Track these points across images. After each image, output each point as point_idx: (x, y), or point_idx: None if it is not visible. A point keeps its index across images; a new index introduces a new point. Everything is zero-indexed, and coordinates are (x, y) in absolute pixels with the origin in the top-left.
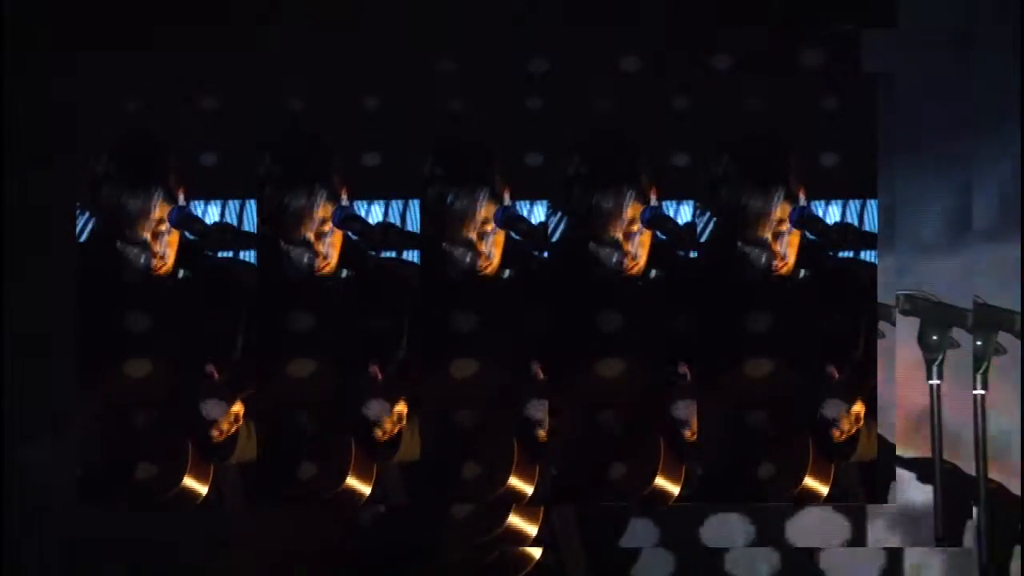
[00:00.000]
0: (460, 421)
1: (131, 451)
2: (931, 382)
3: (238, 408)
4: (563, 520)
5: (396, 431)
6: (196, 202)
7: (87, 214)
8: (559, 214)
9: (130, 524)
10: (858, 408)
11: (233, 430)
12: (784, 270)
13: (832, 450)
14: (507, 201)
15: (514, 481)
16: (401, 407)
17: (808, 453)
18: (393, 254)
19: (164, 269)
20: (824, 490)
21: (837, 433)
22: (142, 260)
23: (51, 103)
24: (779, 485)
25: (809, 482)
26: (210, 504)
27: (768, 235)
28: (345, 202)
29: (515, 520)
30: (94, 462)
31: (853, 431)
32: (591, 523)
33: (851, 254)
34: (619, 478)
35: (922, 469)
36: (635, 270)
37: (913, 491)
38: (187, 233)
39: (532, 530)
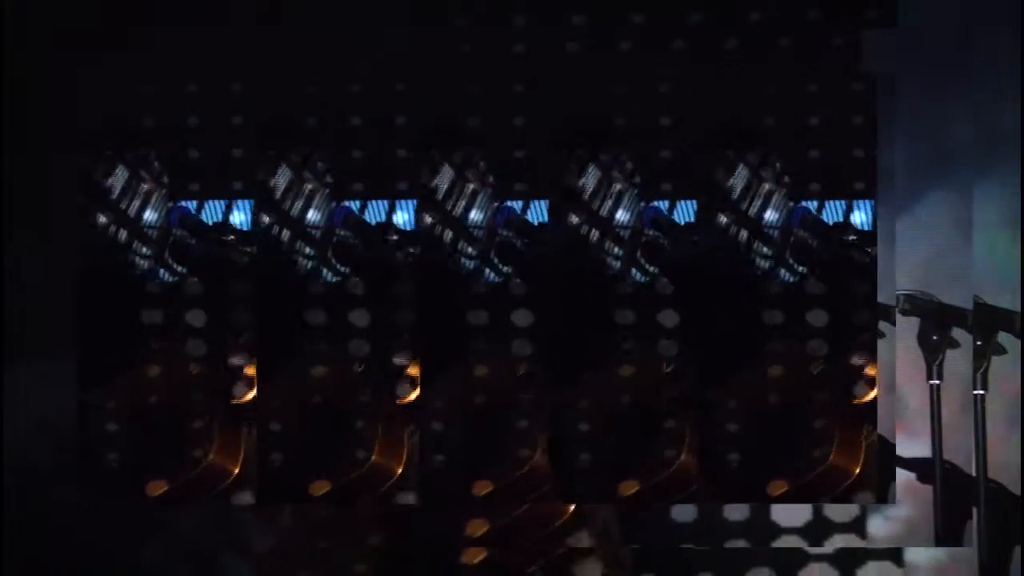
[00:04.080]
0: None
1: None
2: (931, 382)
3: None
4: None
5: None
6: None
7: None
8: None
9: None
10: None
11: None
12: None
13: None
14: None
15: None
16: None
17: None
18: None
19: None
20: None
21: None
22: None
23: (51, 102)
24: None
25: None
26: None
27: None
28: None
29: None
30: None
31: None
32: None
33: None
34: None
35: (922, 469)
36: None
37: (913, 491)
38: (187, 232)
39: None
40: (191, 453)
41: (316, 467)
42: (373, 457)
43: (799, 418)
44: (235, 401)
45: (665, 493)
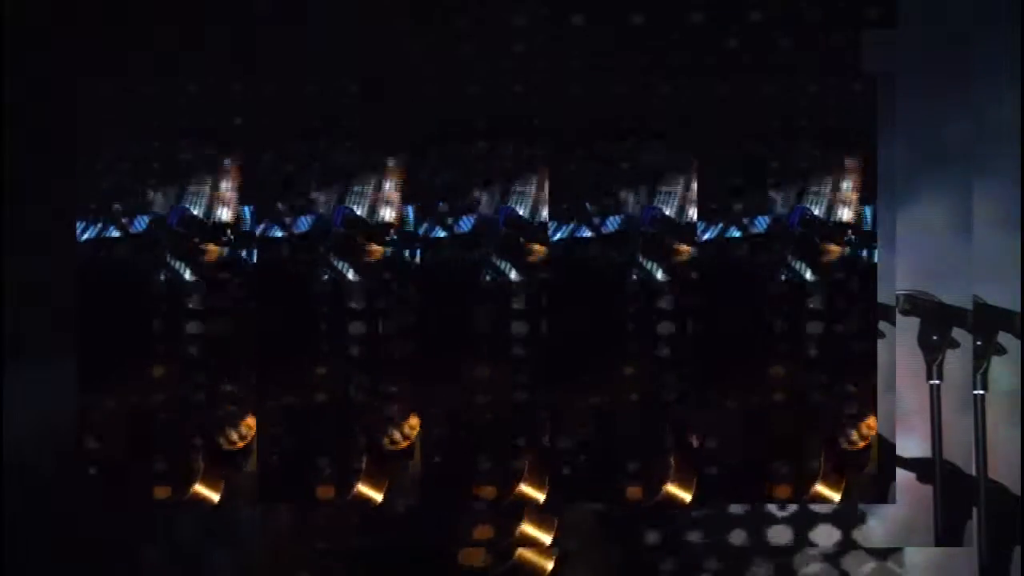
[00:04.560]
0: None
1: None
2: (931, 382)
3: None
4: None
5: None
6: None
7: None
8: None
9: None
10: (871, 421)
11: (243, 444)
12: None
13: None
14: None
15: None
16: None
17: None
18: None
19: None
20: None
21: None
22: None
23: (51, 102)
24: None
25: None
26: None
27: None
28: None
29: (528, 527)
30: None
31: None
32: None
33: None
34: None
35: (922, 469)
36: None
37: (913, 491)
38: (188, 232)
39: (546, 537)
40: (190, 454)
41: (316, 469)
42: (357, 488)
43: (795, 419)
44: (227, 447)
45: (664, 493)
